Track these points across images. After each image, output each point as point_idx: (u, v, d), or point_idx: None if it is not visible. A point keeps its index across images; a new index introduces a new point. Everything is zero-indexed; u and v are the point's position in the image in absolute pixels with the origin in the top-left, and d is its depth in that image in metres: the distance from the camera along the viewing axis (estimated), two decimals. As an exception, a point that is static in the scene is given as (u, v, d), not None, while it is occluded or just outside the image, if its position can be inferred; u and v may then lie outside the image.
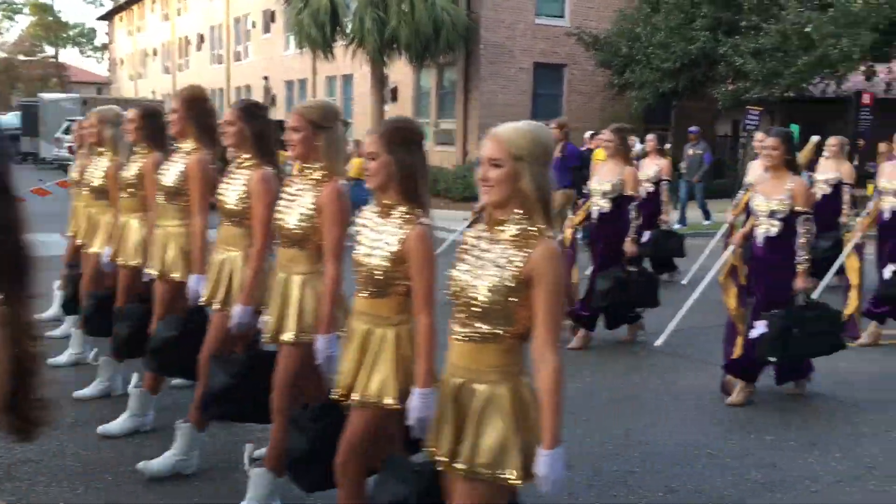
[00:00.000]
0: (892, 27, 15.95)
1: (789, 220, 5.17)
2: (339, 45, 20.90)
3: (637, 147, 10.24)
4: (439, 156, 21.32)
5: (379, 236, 2.76)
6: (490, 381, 2.30)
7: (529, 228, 2.27)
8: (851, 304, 7.14)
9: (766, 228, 5.23)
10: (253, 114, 3.79)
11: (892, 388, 5.88)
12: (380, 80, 20.94)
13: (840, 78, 18.45)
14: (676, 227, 13.68)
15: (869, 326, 7.10)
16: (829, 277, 7.71)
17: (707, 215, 15.04)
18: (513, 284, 2.24)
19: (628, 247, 6.40)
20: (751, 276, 5.43)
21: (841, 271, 7.50)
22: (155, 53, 45.56)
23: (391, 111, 22.98)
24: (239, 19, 35.11)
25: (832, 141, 8.66)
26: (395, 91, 23.92)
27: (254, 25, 33.65)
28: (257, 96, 33.01)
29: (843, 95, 19.18)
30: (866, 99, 17.81)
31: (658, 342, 6.67)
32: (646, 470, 4.30)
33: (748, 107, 17.41)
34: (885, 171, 7.21)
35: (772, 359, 5.17)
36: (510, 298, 2.25)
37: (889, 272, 6.82)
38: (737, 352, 5.43)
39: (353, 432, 2.83)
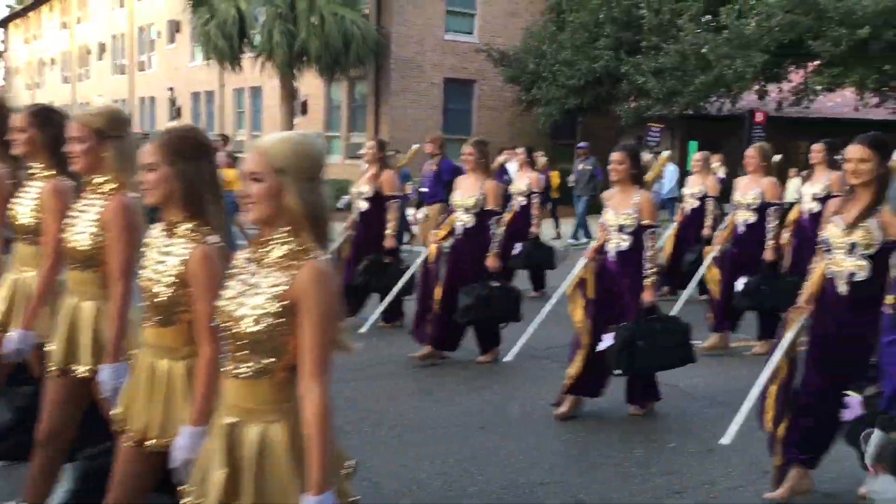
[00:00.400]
0: (782, 49, 16.83)
1: (638, 234, 5.17)
2: (247, 57, 20.64)
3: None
4: (350, 169, 21.21)
5: (163, 257, 2.53)
6: (265, 421, 2.10)
7: (296, 249, 2.08)
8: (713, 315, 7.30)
9: (617, 243, 5.24)
10: (46, 119, 3.37)
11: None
12: (290, 93, 20.76)
13: (735, 97, 19.35)
14: (584, 241, 14.01)
15: (714, 335, 7.25)
16: (689, 290, 8.01)
17: (586, 232, 14.80)
18: (278, 311, 2.04)
19: (491, 262, 6.32)
20: (601, 289, 5.37)
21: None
22: (53, 62, 43.82)
23: (301, 124, 22.79)
24: (143, 29, 34.18)
25: (697, 156, 8.90)
26: (305, 104, 23.74)
27: (158, 35, 32.81)
28: (162, 108, 32.21)
29: (737, 113, 20.12)
30: (759, 117, 18.76)
31: (507, 357, 6.46)
32: (555, 481, 4.39)
33: (649, 124, 18.06)
34: (738, 185, 7.31)
35: (617, 372, 5.11)
36: (277, 327, 2.04)
37: (741, 284, 6.87)
38: (576, 367, 5.30)
39: (132, 476, 2.56)
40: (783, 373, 4.05)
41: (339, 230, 7.91)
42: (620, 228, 5.21)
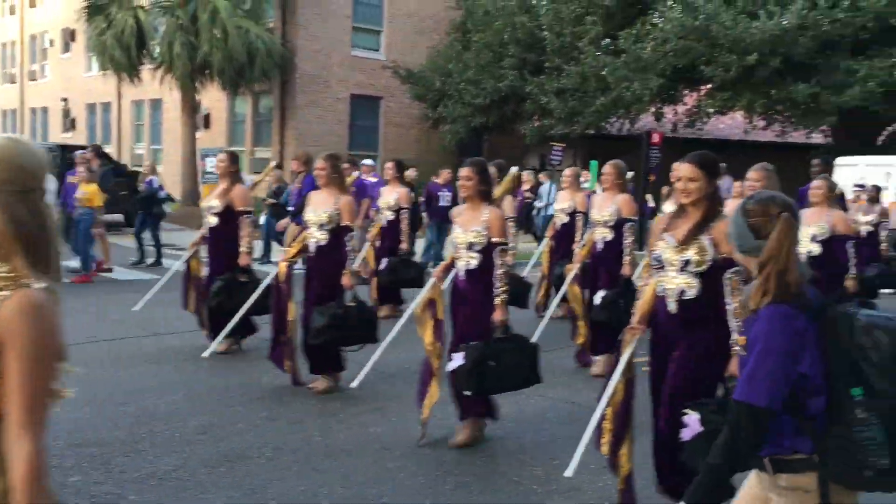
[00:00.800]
0: (677, 73, 17.52)
1: (488, 251, 4.97)
2: (146, 69, 20.07)
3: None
4: (254, 185, 20.88)
5: None
6: None
7: (3, 275, 1.69)
8: (581, 333, 7.17)
9: (466, 261, 5.03)
10: None
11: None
12: (191, 106, 20.27)
13: (633, 118, 20.04)
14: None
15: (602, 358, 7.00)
16: (553, 307, 8.10)
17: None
18: None
19: (345, 280, 6.01)
20: (452, 308, 5.19)
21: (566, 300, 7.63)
22: (-64, 69, 41.52)
23: (204, 138, 22.31)
24: (35, 37, 32.76)
25: (567, 172, 8.81)
26: (207, 117, 23.23)
27: (52, 44, 31.52)
28: (55, 119, 30.92)
29: (636, 134, 20.82)
30: (655, 138, 19.44)
31: (354, 384, 6.13)
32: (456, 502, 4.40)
33: (552, 143, 18.48)
34: (595, 202, 7.21)
35: (467, 392, 4.91)
36: None
37: (599, 298, 6.81)
38: (431, 395, 5.13)
39: None
40: (619, 395, 3.96)
41: (188, 246, 7.76)
42: (469, 246, 5.01)
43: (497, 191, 5.65)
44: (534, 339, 7.58)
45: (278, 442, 5.11)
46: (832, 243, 6.54)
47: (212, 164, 20.19)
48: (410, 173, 13.58)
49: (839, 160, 15.59)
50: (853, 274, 6.68)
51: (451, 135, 20.63)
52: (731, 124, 23.84)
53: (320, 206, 6.13)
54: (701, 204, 3.76)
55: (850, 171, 14.64)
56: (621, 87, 17.02)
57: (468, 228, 5.03)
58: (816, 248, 6.53)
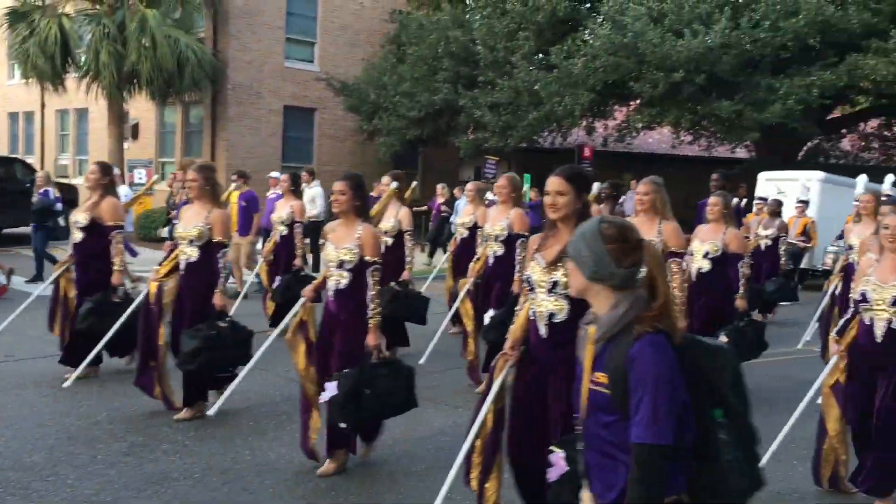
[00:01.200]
0: (607, 89, 17.87)
1: (360, 270, 4.72)
2: (71, 77, 19.52)
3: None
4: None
5: None
6: None
7: None
8: (470, 351, 7.04)
9: (337, 280, 4.77)
10: None
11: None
12: (118, 116, 19.79)
13: (565, 132, 20.37)
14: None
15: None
16: (445, 322, 7.96)
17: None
18: None
19: (217, 300, 5.66)
20: (323, 331, 4.89)
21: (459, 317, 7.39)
22: None
23: (132, 149, 21.80)
24: (-48, 42, 31.55)
25: (469, 186, 8.58)
26: (136, 127, 22.70)
27: (-29, 50, 30.39)
28: (-26, 128, 29.76)
29: (568, 147, 21.18)
30: (587, 152, 19.84)
31: (211, 411, 5.80)
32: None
33: (486, 156, 18.64)
34: (489, 216, 7.13)
35: (343, 425, 4.62)
36: None
37: (488, 318, 6.52)
38: (314, 422, 4.93)
39: None
40: (489, 425, 3.76)
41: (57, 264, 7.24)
42: (340, 264, 4.74)
43: (377, 205, 5.52)
44: (425, 356, 7.60)
45: (207, 462, 5.01)
46: (725, 261, 6.58)
47: (140, 176, 19.76)
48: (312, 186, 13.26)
49: (762, 174, 16.13)
50: (742, 293, 6.74)
51: (386, 147, 20.61)
52: (659, 139, 24.48)
53: (191, 221, 5.77)
54: (569, 221, 3.51)
55: (772, 185, 15.18)
56: (553, 102, 17.27)
57: (340, 245, 4.77)
58: (706, 265, 6.60)
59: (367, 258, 4.70)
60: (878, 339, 4.58)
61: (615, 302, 2.31)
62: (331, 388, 4.54)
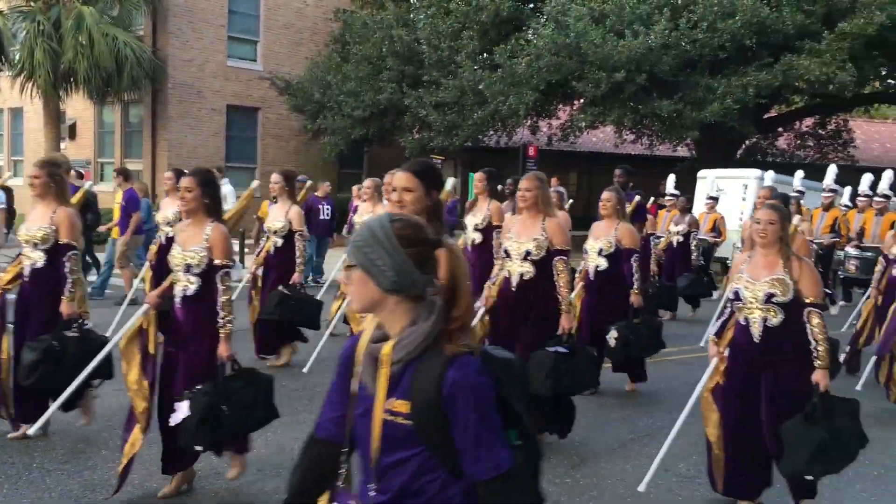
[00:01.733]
0: (550, 88, 18.04)
1: (210, 274, 4.29)
2: (5, 76, 18.99)
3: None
4: (125, 198, 20.05)
5: None
6: None
7: None
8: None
9: (184, 285, 4.33)
10: None
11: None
12: (55, 116, 19.31)
13: (510, 131, 20.51)
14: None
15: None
16: (333, 324, 7.72)
17: (318, 271, 13.64)
18: None
19: (64, 307, 5.08)
20: (168, 343, 4.50)
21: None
22: None
23: (70, 149, 21.26)
24: None
25: (367, 183, 8.32)
26: (73, 127, 22.17)
27: None
28: None
29: (513, 146, 21.33)
30: (531, 151, 20.01)
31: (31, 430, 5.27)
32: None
33: (432, 155, 18.67)
34: (362, 213, 7.21)
35: (199, 448, 4.18)
36: None
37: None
38: (134, 444, 4.39)
39: None
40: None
41: None
42: (187, 268, 4.30)
43: (232, 210, 5.32)
44: (312, 358, 7.29)
45: (149, 468, 4.92)
46: (619, 257, 6.54)
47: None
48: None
49: (701, 173, 16.48)
50: (637, 289, 6.58)
51: (332, 147, 20.49)
52: (602, 137, 24.81)
53: (35, 223, 5.19)
54: (422, 217, 3.19)
55: (709, 184, 15.52)
56: (498, 101, 17.38)
57: (187, 247, 4.33)
58: (603, 263, 6.59)
59: (217, 261, 4.29)
60: (756, 339, 4.31)
61: (415, 316, 1.93)
62: (182, 409, 4.07)
